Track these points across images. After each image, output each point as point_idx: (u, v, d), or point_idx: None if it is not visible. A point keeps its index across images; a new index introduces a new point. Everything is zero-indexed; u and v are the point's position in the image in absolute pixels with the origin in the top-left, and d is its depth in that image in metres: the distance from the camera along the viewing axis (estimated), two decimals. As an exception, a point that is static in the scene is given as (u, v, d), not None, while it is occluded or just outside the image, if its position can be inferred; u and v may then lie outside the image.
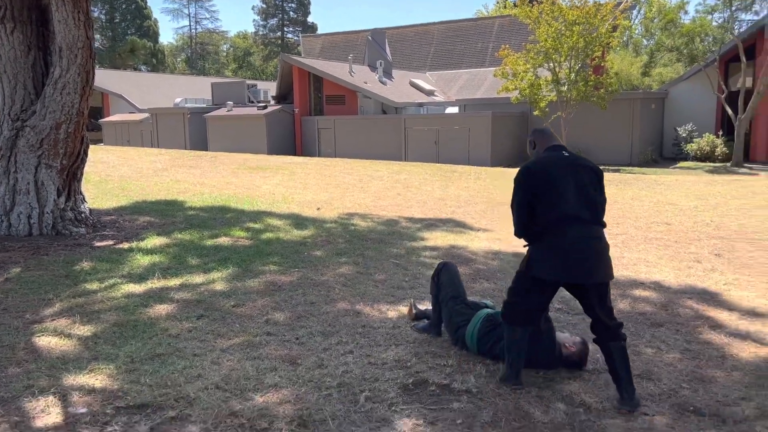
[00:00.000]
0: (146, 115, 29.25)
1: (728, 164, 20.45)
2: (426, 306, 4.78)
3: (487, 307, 4.18)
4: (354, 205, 10.39)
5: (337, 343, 4.16)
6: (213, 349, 4.08)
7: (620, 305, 5.09)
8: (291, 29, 73.40)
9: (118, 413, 3.25)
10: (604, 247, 3.49)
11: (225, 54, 78.76)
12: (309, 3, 73.53)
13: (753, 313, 4.89)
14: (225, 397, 3.40)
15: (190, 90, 36.49)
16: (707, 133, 22.27)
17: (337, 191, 12.07)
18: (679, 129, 23.01)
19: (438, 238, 7.63)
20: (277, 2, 72.60)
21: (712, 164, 20.98)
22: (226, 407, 3.29)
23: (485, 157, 20.58)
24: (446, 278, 4.31)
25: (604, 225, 3.55)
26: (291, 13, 73.81)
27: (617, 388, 3.39)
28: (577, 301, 3.58)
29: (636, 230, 8.45)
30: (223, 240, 7.35)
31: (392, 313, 4.78)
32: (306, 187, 12.64)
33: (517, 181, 3.56)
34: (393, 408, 3.29)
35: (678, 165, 21.44)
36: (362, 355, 3.97)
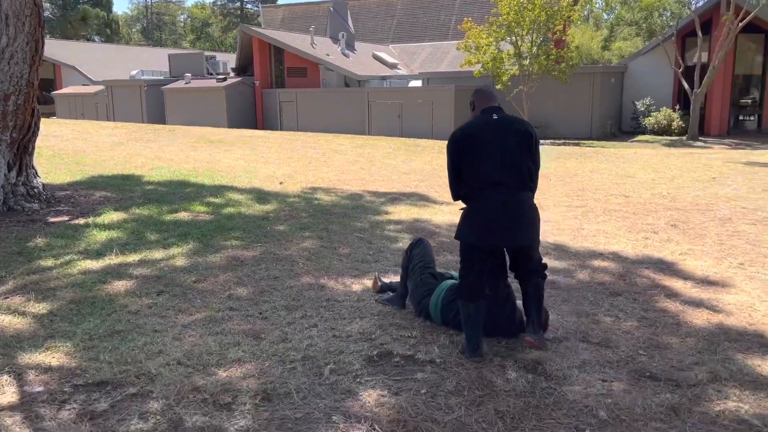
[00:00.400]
0: (101, 87, 28.34)
1: (684, 138, 20.92)
2: (391, 279, 4.79)
3: (452, 278, 4.21)
4: (317, 179, 10.31)
5: (301, 317, 4.15)
6: (174, 325, 4.02)
7: (580, 276, 5.19)
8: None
9: (77, 391, 3.18)
10: (527, 211, 3.57)
11: (182, 25, 76.66)
12: (269, -28, 71.86)
13: (706, 282, 5.04)
14: (187, 373, 3.36)
15: (146, 62, 35.45)
16: (664, 107, 22.70)
17: (299, 165, 11.95)
18: (637, 103, 23.39)
19: (402, 212, 7.63)
20: (236, -29, 70.76)
21: (668, 138, 21.43)
22: (188, 383, 3.25)
23: (448, 130, 20.55)
24: (420, 250, 4.34)
25: (531, 190, 3.62)
26: (250, -18, 72.03)
27: (527, 320, 3.71)
28: None
29: (595, 202, 8.60)
30: (183, 215, 7.22)
31: (356, 287, 4.78)
32: (268, 161, 12.48)
33: (447, 145, 3.69)
34: (358, 380, 3.30)
35: (636, 138, 21.84)
36: (326, 329, 3.96)
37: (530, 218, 3.60)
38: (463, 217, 3.64)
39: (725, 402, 3.08)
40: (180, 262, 5.39)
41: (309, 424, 2.89)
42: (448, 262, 5.49)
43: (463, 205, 3.69)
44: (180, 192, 8.64)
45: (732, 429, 2.84)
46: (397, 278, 4.78)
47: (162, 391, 3.17)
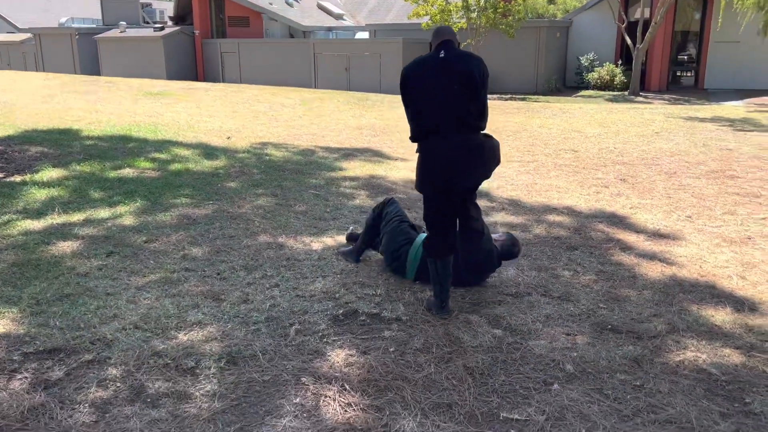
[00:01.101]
0: (28, 35, 26.62)
1: (626, 93, 21.35)
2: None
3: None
4: (266, 134, 10.03)
5: (261, 277, 4.04)
6: (128, 288, 3.85)
7: (536, 230, 5.24)
8: (187, -56, 68.08)
9: (27, 359, 3.01)
10: (473, 153, 3.42)
11: (114, -31, 72.33)
12: None
13: (657, 235, 5.18)
14: (146, 337, 3.23)
15: (76, 8, 33.42)
16: (607, 63, 23.05)
17: (246, 119, 11.59)
18: (581, 58, 23.66)
19: (356, 168, 7.52)
20: None
21: (611, 93, 21.83)
22: (147, 347, 3.12)
23: (396, 85, 20.36)
24: (394, 208, 4.27)
25: (473, 130, 3.42)
26: (186, -75, 68.24)
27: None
28: None
29: (546, 157, 8.68)
30: (128, 171, 6.90)
31: (316, 245, 4.69)
32: (213, 114, 12.05)
33: (399, 86, 3.54)
34: (324, 340, 3.25)
35: (580, 93, 22.18)
36: (289, 288, 3.87)
37: (479, 159, 3.45)
38: (417, 166, 3.56)
39: (684, 352, 3.18)
40: (128, 221, 5.16)
41: (278, 387, 2.83)
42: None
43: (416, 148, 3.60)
44: (122, 147, 8.25)
45: (692, 378, 2.94)
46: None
47: (120, 357, 3.04)
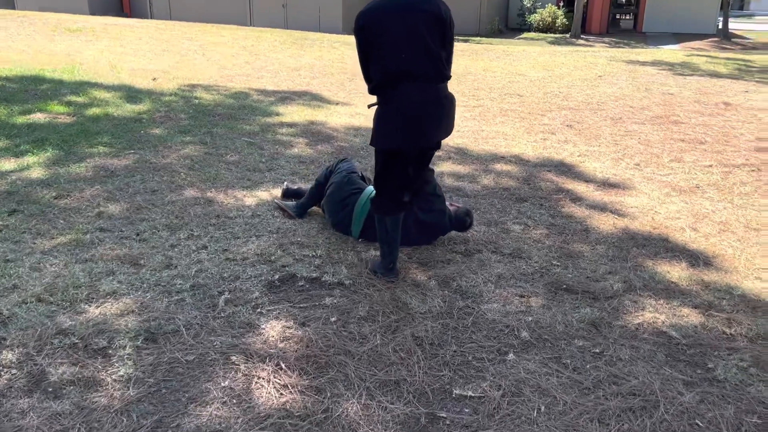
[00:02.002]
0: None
1: (567, 36, 21.23)
2: (299, 186, 4.36)
3: None
4: (196, 75, 9.33)
5: (186, 238, 3.63)
6: (32, 252, 3.39)
7: (484, 181, 4.99)
8: None
9: None
10: (446, 105, 3.13)
11: None
12: None
13: (607, 184, 5.02)
14: (50, 312, 2.82)
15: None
16: (549, 4, 22.79)
17: (175, 59, 10.78)
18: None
19: (294, 113, 7.04)
20: None
21: (553, 35, 21.66)
22: (52, 325, 2.72)
23: (336, 24, 19.53)
24: (347, 164, 3.92)
25: (444, 79, 3.11)
26: None
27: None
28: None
29: (491, 102, 8.41)
30: (38, 116, 6.22)
31: (250, 200, 4.29)
32: (138, 53, 11.16)
33: (354, 32, 3.09)
34: (258, 310, 2.92)
35: (522, 36, 21.91)
36: (218, 251, 3.49)
37: (448, 113, 3.16)
38: (378, 118, 3.10)
39: (642, 313, 3.01)
40: (36, 173, 4.60)
41: (204, 368, 2.50)
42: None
43: (372, 102, 3.19)
44: (34, 89, 7.46)
45: (652, 343, 2.77)
46: (304, 186, 4.37)
47: (18, 337, 2.63)
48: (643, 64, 13.00)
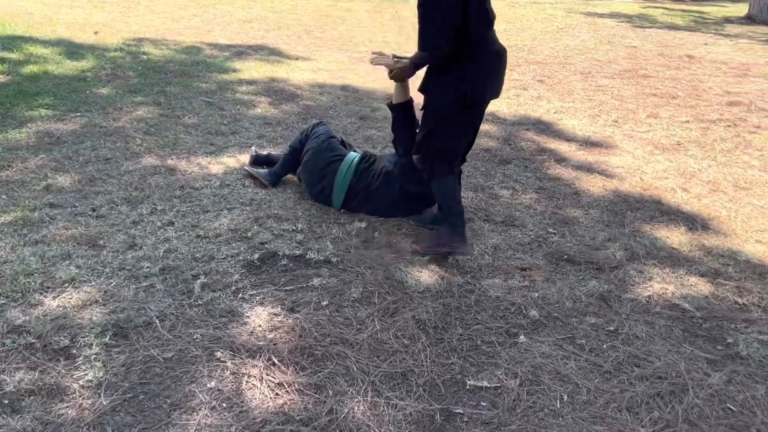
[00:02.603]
0: None
1: (522, -13, 20.87)
2: (269, 151, 4.02)
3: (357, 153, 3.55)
4: (141, 27, 8.65)
5: (150, 213, 3.27)
6: (-29, 235, 2.98)
7: (463, 141, 4.72)
8: None
9: None
10: (506, 51, 2.97)
11: None
12: None
13: (589, 143, 4.83)
14: (-1, 307, 2.45)
15: None
16: (504, -46, 22.30)
17: (117, 10, 10.00)
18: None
19: (252, 69, 6.58)
20: None
21: (508, -14, 21.26)
22: (1, 321, 2.36)
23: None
24: (324, 128, 3.57)
25: None
26: None
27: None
28: None
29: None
30: (-32, 76, 5.61)
31: (216, 168, 3.92)
32: (75, 4, 10.31)
33: None
34: (240, 295, 2.62)
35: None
36: (187, 227, 3.15)
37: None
38: (472, 71, 2.73)
39: (650, 284, 2.85)
40: (-30, 142, 4.11)
41: (185, 366, 2.20)
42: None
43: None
44: (-41, 45, 6.75)
45: (666, 317, 2.61)
46: (274, 152, 4.04)
47: (-37, 339, 2.27)
48: (601, 16, 12.84)
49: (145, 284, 2.64)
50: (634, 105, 6.02)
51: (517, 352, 2.36)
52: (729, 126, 5.45)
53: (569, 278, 2.88)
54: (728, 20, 13.19)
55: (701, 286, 2.86)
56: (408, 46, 8.13)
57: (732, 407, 2.11)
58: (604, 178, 4.13)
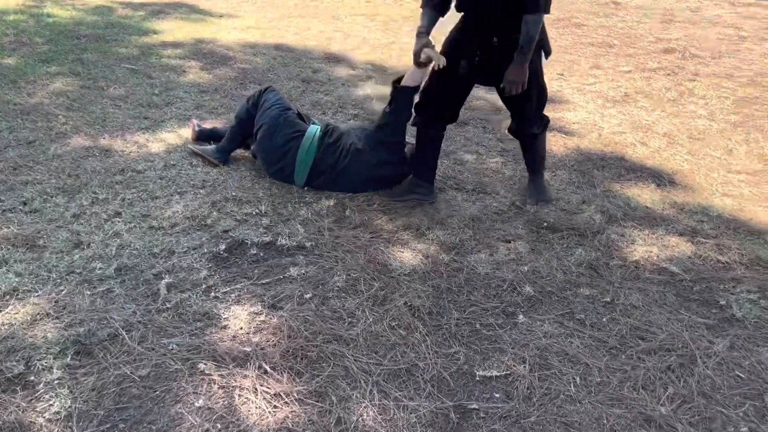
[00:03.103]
0: None
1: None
2: (213, 125, 3.68)
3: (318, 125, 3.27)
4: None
5: (91, 203, 2.91)
6: None
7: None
8: None
9: None
10: None
11: None
12: None
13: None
14: (-70, 331, 2.10)
15: None
16: None
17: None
18: None
19: (174, 30, 6.06)
20: None
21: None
22: (-63, 350, 2.03)
23: None
24: (274, 95, 3.25)
25: None
26: None
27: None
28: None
29: (388, 8, 7.79)
30: None
31: (156, 145, 3.56)
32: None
33: None
34: (213, 294, 2.36)
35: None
36: (137, 217, 2.83)
37: None
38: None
39: (634, 248, 2.80)
40: None
41: (165, 383, 1.96)
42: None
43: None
44: None
45: (657, 282, 2.57)
46: (218, 124, 3.71)
47: None
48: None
49: (101, 289, 2.34)
50: (575, 56, 5.99)
51: (519, 334, 2.25)
52: (669, 74, 5.51)
53: (554, 247, 2.79)
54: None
55: (683, 246, 2.84)
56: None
57: (741, 375, 2.09)
58: (563, 135, 4.06)
